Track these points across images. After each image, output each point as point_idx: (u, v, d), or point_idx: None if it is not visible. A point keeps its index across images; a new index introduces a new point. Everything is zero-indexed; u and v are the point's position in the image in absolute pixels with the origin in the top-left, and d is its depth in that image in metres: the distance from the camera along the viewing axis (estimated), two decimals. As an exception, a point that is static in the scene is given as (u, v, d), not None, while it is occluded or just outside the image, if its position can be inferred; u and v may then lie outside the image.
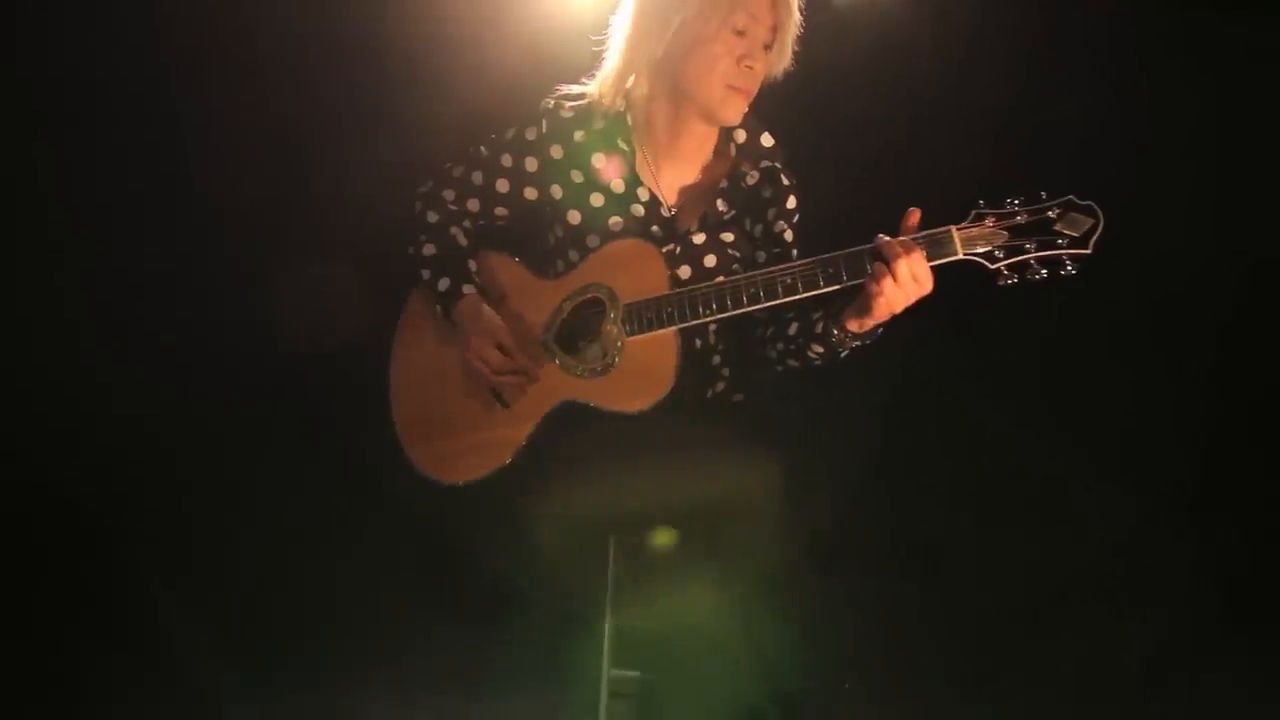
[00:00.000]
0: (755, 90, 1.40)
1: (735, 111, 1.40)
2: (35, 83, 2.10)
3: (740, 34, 1.35)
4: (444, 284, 1.46)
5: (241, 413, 2.33)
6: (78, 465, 2.26)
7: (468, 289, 1.45)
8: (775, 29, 1.37)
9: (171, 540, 2.27)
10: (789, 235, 1.50)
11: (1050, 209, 1.21)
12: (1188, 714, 1.75)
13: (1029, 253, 1.20)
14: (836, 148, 1.77)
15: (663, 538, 1.79)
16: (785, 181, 1.50)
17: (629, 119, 1.47)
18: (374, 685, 1.93)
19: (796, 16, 1.38)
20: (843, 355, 1.39)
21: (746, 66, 1.36)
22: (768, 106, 1.48)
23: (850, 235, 1.29)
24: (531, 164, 1.48)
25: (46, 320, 2.22)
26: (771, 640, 1.43)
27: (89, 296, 2.25)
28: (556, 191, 1.48)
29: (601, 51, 1.45)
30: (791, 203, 1.50)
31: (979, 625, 1.99)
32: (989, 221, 1.22)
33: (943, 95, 1.79)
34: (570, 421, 1.42)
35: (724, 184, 1.48)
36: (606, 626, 1.83)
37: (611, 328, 1.39)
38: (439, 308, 1.48)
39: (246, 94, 2.03)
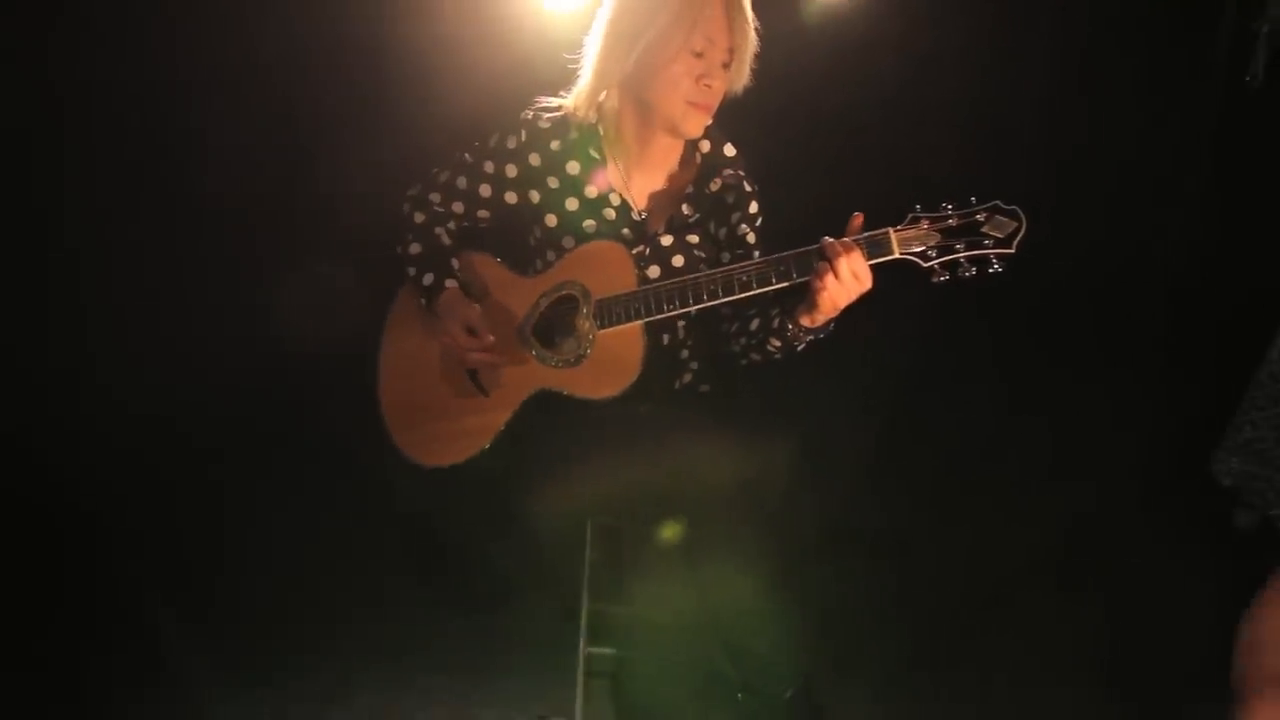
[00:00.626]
0: (715, 105, 1.51)
1: (696, 125, 1.51)
2: (39, 86, 2.20)
3: (699, 55, 1.45)
4: (428, 279, 1.57)
5: (240, 408, 2.42)
6: (78, 458, 2.32)
7: (449, 283, 1.56)
8: (732, 50, 1.48)
9: (170, 531, 2.34)
10: (751, 238, 1.61)
11: (979, 212, 1.32)
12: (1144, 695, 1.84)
13: (959, 252, 1.32)
14: (798, 156, 1.89)
15: (670, 530, 1.90)
16: (748, 188, 1.60)
17: (601, 130, 1.57)
18: (368, 669, 1.99)
19: (753, 38, 1.49)
20: (799, 349, 1.50)
21: (705, 85, 1.46)
22: (735, 119, 1.60)
23: (810, 237, 1.40)
24: (512, 170, 1.59)
25: (39, 319, 2.31)
26: (741, 621, 1.48)
27: (83, 295, 2.34)
28: (534, 196, 1.58)
29: (576, 68, 1.55)
30: (753, 208, 1.60)
31: (939, 611, 2.09)
32: (923, 224, 1.33)
33: (890, 109, 1.92)
34: (546, 408, 1.53)
35: (690, 190, 1.59)
36: (584, 607, 1.93)
37: (584, 322, 1.50)
38: (423, 301, 1.59)
39: (249, 97, 2.14)
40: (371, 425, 1.69)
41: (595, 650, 1.88)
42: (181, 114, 2.26)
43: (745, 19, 1.47)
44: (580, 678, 1.89)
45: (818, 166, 1.96)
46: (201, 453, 2.44)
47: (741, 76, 1.51)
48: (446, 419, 1.58)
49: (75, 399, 2.37)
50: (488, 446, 1.55)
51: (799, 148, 1.93)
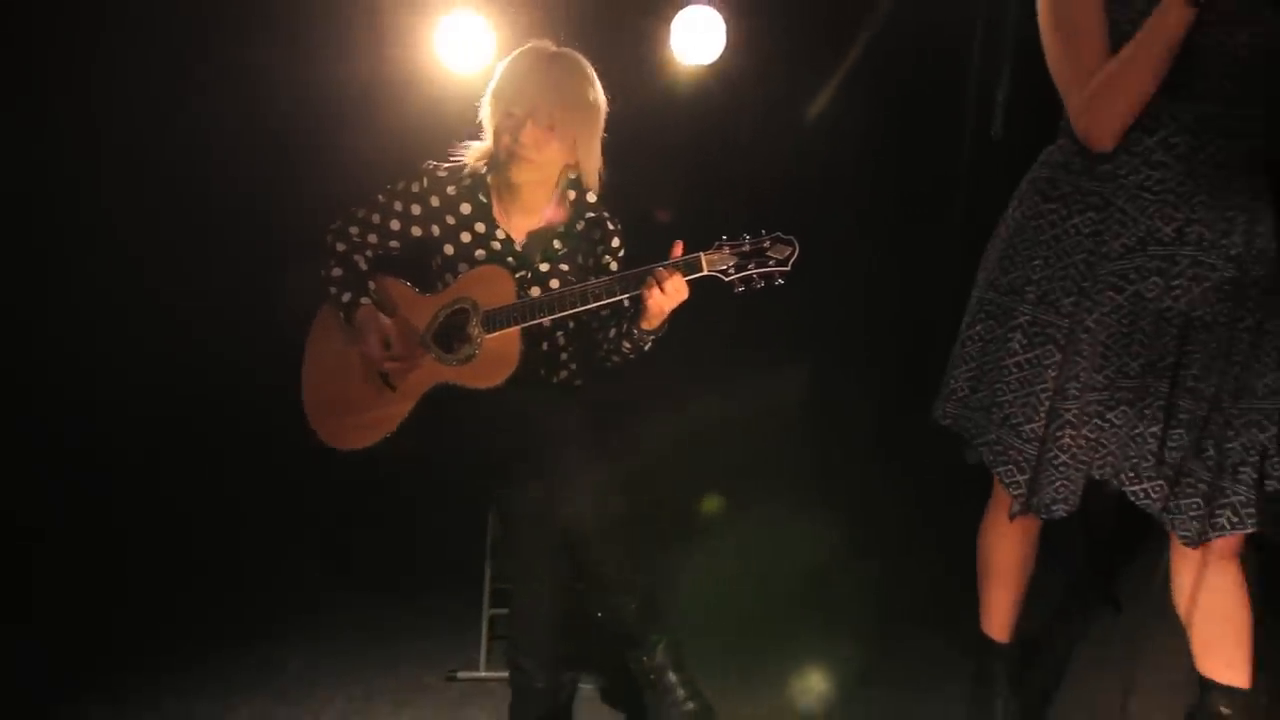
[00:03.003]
0: (538, 158, 1.83)
1: (518, 171, 1.85)
2: (34, 86, 2.43)
3: (509, 115, 1.83)
4: (347, 297, 1.90)
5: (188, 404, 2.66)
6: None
7: (364, 301, 1.89)
8: (552, 116, 1.82)
9: (98, 518, 2.56)
10: (615, 267, 1.98)
11: (765, 240, 1.75)
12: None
13: (751, 270, 1.74)
14: (643, 194, 2.33)
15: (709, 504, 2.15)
16: (610, 227, 1.98)
17: (489, 179, 1.94)
18: (294, 643, 2.25)
19: (584, 107, 1.85)
20: (645, 348, 1.90)
21: (517, 139, 1.81)
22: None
23: (647, 258, 1.81)
24: (416, 209, 1.93)
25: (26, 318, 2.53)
26: (593, 554, 1.76)
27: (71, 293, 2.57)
28: (435, 230, 1.93)
29: (478, 135, 1.93)
30: (615, 242, 1.99)
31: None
32: (725, 249, 1.75)
33: (712, 164, 2.42)
34: (443, 397, 1.87)
35: (560, 228, 1.96)
36: (486, 575, 2.27)
37: (474, 329, 1.85)
38: (343, 315, 1.91)
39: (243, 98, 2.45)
40: (293, 420, 1.97)
41: (496, 612, 2.22)
42: (177, 114, 2.55)
43: (571, 92, 1.84)
44: (484, 637, 2.23)
45: (655, 202, 2.45)
46: (143, 446, 2.67)
47: (577, 139, 1.87)
48: (359, 411, 1.90)
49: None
50: (394, 431, 1.88)
51: (645, 187, 2.39)
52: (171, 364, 2.68)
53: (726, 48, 2.69)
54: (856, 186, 2.70)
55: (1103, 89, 1.45)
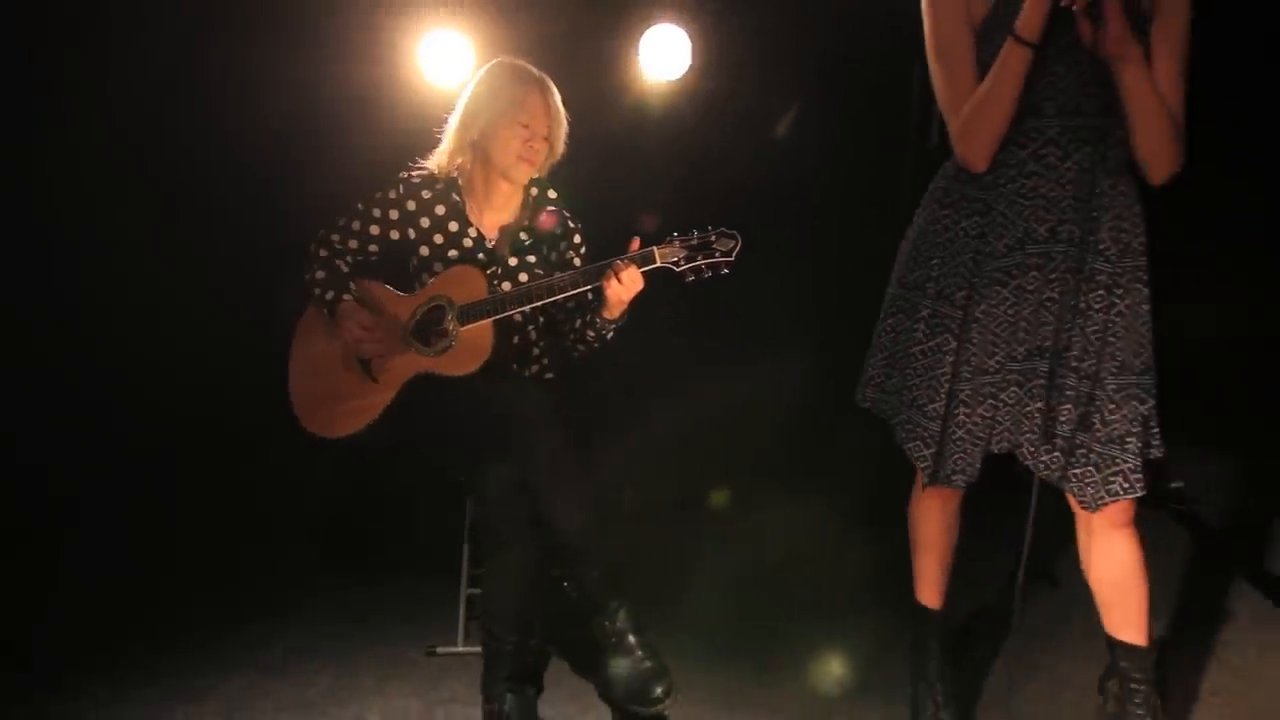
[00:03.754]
0: (538, 162, 2.06)
1: (523, 174, 2.06)
2: (31, 86, 2.57)
3: (525, 126, 2.02)
4: (330, 295, 2.05)
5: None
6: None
7: (346, 297, 2.04)
8: (549, 128, 2.06)
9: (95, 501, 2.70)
10: (577, 262, 2.14)
11: (712, 235, 1.92)
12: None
13: (699, 261, 1.91)
14: (604, 194, 2.49)
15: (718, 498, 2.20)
16: (571, 225, 2.16)
17: (459, 181, 2.10)
18: (282, 617, 2.38)
19: (564, 123, 2.08)
20: (608, 337, 2.06)
21: (530, 145, 2.03)
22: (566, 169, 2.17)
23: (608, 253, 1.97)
24: (393, 214, 2.09)
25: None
26: (557, 526, 1.88)
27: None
28: (411, 233, 2.09)
29: (439, 137, 2.10)
30: (577, 239, 2.16)
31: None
32: (676, 243, 1.92)
33: (676, 170, 2.62)
34: (422, 386, 2.01)
35: (526, 223, 2.13)
36: (464, 558, 2.40)
37: (450, 323, 2.00)
38: (326, 312, 2.06)
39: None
40: (282, 415, 2.09)
41: (473, 592, 2.34)
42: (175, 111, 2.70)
43: (558, 110, 2.07)
44: (462, 616, 2.36)
45: (621, 205, 2.63)
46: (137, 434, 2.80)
47: (557, 150, 2.10)
48: (344, 400, 2.04)
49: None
50: (377, 419, 2.02)
51: (613, 191, 2.59)
52: (163, 362, 2.80)
53: (691, 64, 2.89)
54: (808, 191, 2.90)
55: (970, 118, 1.66)
